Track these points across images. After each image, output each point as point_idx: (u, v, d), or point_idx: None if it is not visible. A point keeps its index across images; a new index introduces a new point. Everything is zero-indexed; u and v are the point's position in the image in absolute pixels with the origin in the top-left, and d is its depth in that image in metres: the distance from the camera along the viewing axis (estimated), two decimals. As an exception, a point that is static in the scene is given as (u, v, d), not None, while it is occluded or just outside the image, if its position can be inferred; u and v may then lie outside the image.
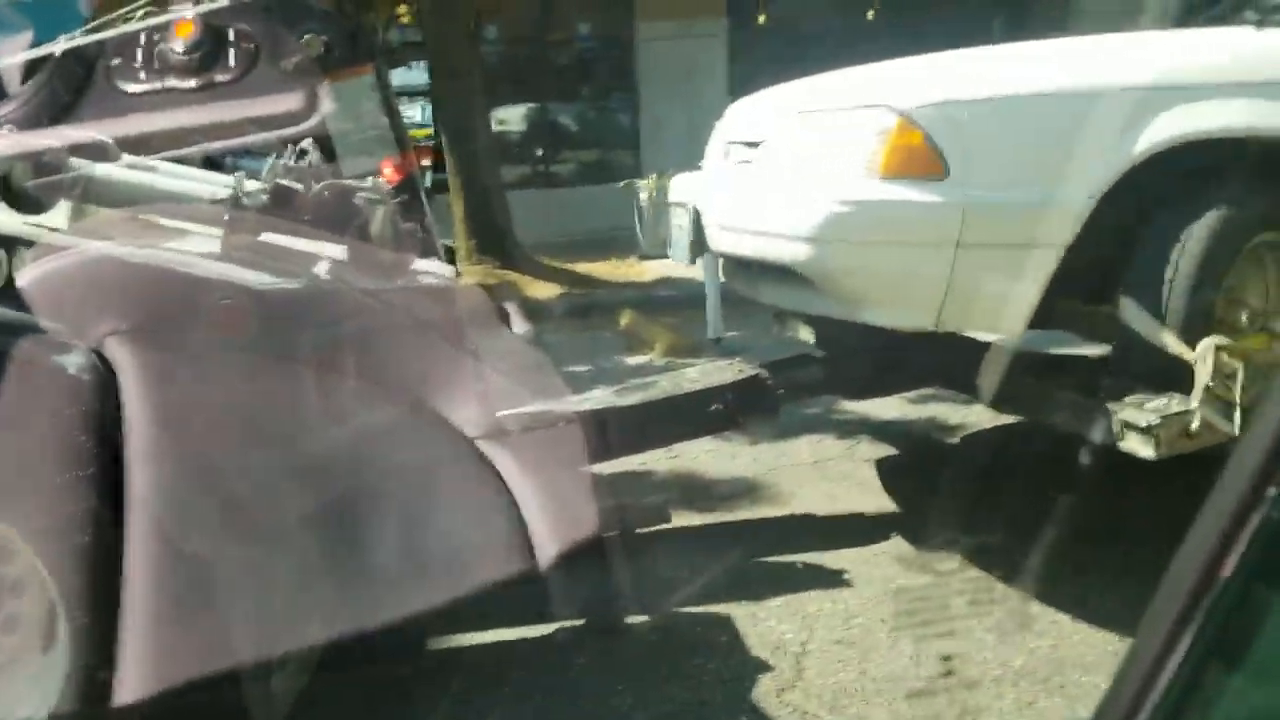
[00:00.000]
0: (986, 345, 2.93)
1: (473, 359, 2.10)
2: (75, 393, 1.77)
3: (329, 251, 2.19)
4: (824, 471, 3.69)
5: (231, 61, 2.69)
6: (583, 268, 8.27)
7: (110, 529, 1.76)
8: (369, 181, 2.43)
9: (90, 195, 2.08)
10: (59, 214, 2.06)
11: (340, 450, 1.88)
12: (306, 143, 2.54)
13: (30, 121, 2.42)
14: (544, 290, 7.56)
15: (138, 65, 2.63)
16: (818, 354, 3.49)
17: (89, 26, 2.75)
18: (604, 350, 5.73)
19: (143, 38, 2.68)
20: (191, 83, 2.65)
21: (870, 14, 11.73)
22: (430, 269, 2.33)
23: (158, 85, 2.65)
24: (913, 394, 4.22)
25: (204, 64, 2.62)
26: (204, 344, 1.87)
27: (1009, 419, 3.87)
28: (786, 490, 3.53)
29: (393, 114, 2.98)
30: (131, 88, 2.64)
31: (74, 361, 1.78)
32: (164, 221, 2.16)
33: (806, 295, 2.76)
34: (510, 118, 11.08)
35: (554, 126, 11.37)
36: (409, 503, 1.88)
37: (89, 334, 1.81)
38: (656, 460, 3.70)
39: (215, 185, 2.27)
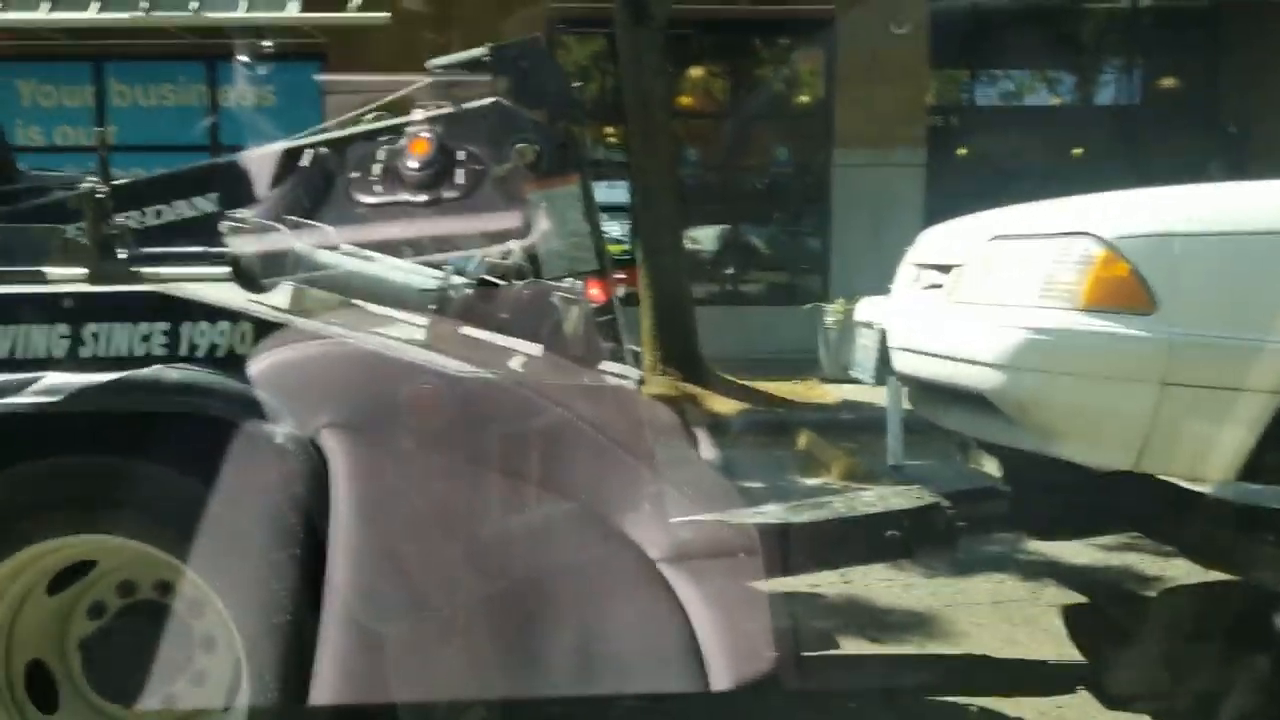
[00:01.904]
0: (1191, 493, 2.74)
1: (655, 473, 2.12)
2: (290, 477, 1.91)
3: (524, 348, 2.28)
4: (1005, 612, 3.50)
5: (460, 179, 2.86)
6: (764, 386, 8.27)
7: (306, 609, 1.88)
8: (567, 284, 2.53)
9: (309, 280, 2.24)
10: (280, 296, 2.23)
11: (521, 546, 1.94)
12: (511, 242, 2.67)
13: (297, 215, 2.62)
14: (724, 406, 7.58)
15: (374, 179, 2.83)
16: (1003, 488, 3.34)
17: (327, 127, 3.02)
18: (780, 469, 5.67)
19: (381, 154, 2.89)
20: (422, 198, 2.83)
21: (1077, 151, 11.51)
22: (620, 375, 2.39)
23: (390, 199, 2.84)
24: (1106, 539, 3.97)
25: (435, 181, 2.80)
26: (409, 441, 1.97)
27: (1212, 575, 3.58)
28: (963, 628, 3.36)
29: (594, 224, 3.10)
30: (366, 199, 2.84)
31: (291, 447, 1.92)
32: (373, 309, 2.31)
33: (995, 425, 2.66)
34: (703, 237, 11.34)
35: (744, 247, 11.56)
36: (580, 602, 1.92)
37: (307, 423, 1.94)
38: (828, 583, 3.60)
39: (424, 277, 2.41)
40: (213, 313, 2.05)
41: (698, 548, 2.08)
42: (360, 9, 8.96)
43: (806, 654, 2.88)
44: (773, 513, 2.92)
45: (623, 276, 8.21)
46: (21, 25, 8.56)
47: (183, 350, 2.03)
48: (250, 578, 1.93)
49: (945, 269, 3.02)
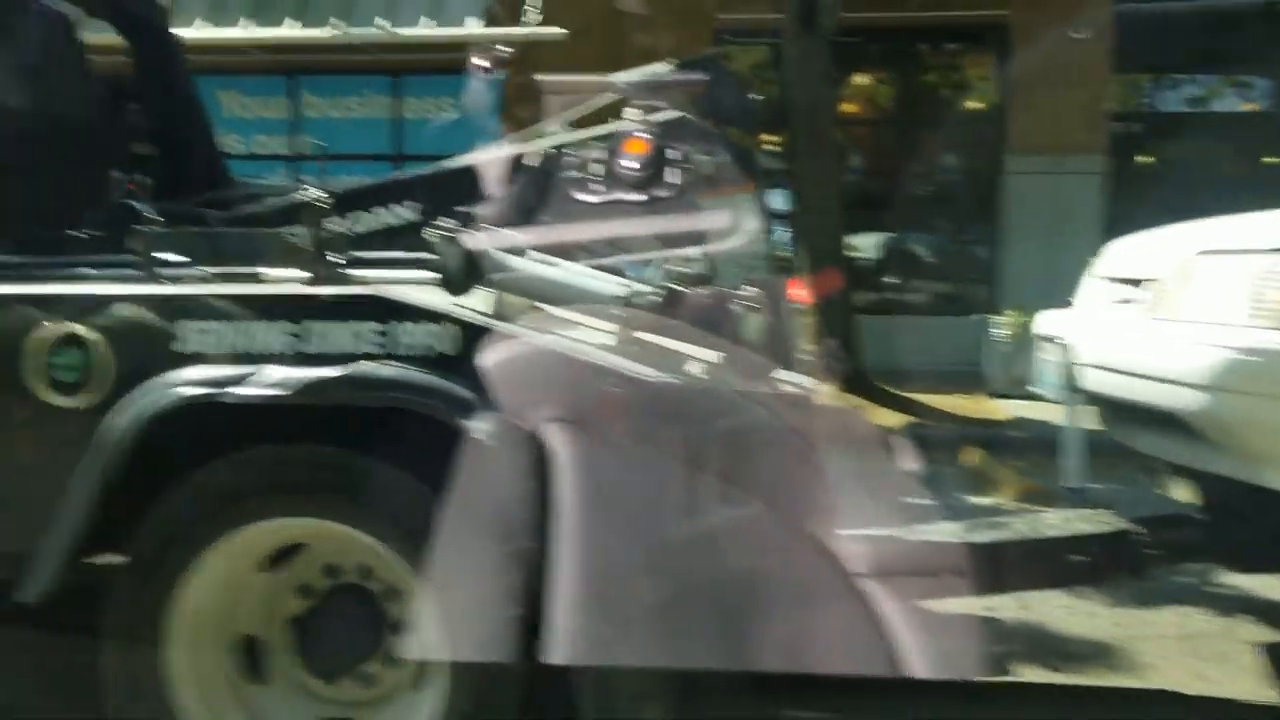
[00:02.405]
0: None
1: (850, 482, 2.13)
2: (518, 471, 2.01)
3: (707, 354, 2.32)
4: (1194, 647, 3.33)
5: (672, 179, 2.93)
6: (927, 399, 8.08)
7: (509, 600, 1.99)
8: (747, 290, 2.56)
9: (506, 285, 2.34)
10: (479, 299, 2.33)
11: (721, 538, 2.00)
12: (691, 248, 2.71)
13: (500, 223, 2.74)
14: (886, 418, 7.45)
15: (593, 179, 2.93)
16: (1198, 515, 3.18)
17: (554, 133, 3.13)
18: (948, 486, 5.53)
19: (600, 154, 2.99)
20: (639, 197, 2.92)
21: (1269, 160, 10.82)
22: (807, 385, 2.40)
23: (609, 198, 2.94)
24: (1309, 575, 3.73)
25: (650, 180, 2.88)
26: (621, 435, 2.05)
27: None
28: (1148, 661, 3.21)
29: (768, 232, 3.13)
30: (586, 199, 2.94)
31: (510, 441, 2.02)
32: (563, 314, 2.39)
33: (1194, 449, 2.55)
34: (865, 245, 11.17)
35: (908, 255, 11.32)
36: (777, 592, 1.97)
37: (530, 418, 2.03)
38: (1003, 606, 3.51)
39: (611, 283, 2.48)
40: (421, 314, 2.17)
41: (896, 563, 2.08)
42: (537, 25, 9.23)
43: (980, 680, 2.81)
44: (948, 531, 2.87)
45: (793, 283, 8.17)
46: (225, 42, 9.17)
47: (394, 349, 2.16)
48: (455, 566, 2.03)
49: (1139, 283, 2.91)
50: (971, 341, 8.90)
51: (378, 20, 9.19)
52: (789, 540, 2.04)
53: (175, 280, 2.38)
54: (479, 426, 2.04)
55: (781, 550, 2.04)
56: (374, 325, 2.17)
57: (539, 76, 3.51)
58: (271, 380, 2.12)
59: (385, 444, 2.14)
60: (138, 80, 3.95)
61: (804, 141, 8.28)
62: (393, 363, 2.14)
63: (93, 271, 2.46)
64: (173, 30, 4.05)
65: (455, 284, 2.33)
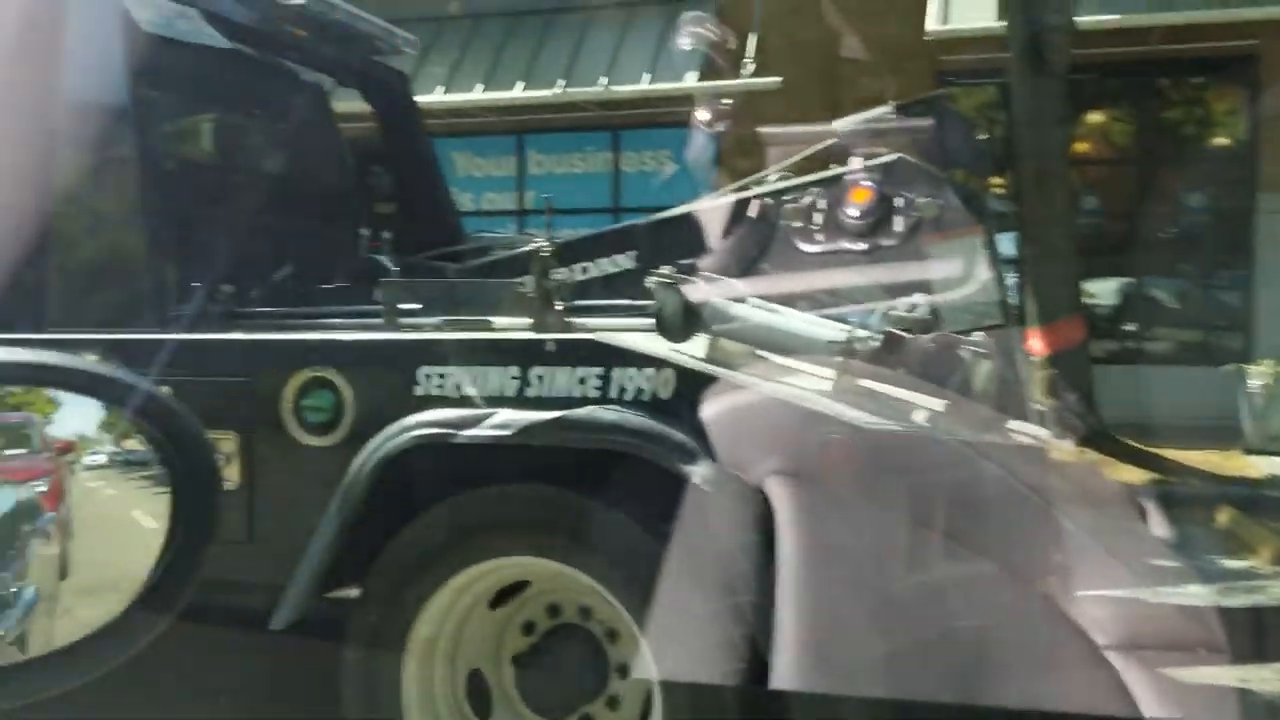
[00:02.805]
0: None
1: (1089, 540, 2.01)
2: (740, 523, 1.99)
3: (934, 403, 2.24)
4: None
5: (897, 225, 2.92)
6: (1172, 454, 7.49)
7: (732, 649, 1.96)
8: (977, 338, 2.47)
9: (726, 332, 2.35)
10: (698, 345, 2.35)
11: (948, 596, 1.92)
12: (916, 295, 2.64)
13: (723, 272, 2.81)
14: (1129, 475, 6.95)
15: (815, 227, 2.95)
16: None
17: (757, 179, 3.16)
18: (1198, 548, 5.09)
19: (821, 203, 3.02)
20: (862, 245, 2.92)
21: None
22: (1042, 437, 2.28)
23: (831, 246, 2.96)
24: None
25: (875, 229, 2.88)
26: (845, 489, 2.00)
27: None
28: None
29: (998, 277, 3.01)
30: (808, 248, 2.97)
31: (741, 491, 2.01)
32: (785, 362, 2.37)
33: None
34: (1103, 291, 10.54)
35: (1149, 301, 10.59)
36: (1011, 658, 1.86)
37: (754, 470, 2.02)
38: (1261, 679, 3.17)
39: (830, 330, 2.44)
40: (642, 360, 2.20)
41: (1154, 641, 1.95)
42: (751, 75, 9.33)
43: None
44: (1199, 595, 2.64)
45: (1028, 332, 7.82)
46: (459, 106, 9.76)
47: (615, 393, 2.20)
48: (676, 613, 2.03)
49: None
50: (1223, 393, 8.21)
51: (601, 80, 9.55)
52: (1021, 600, 1.92)
53: (413, 328, 2.53)
54: (700, 473, 2.04)
55: (1012, 611, 1.92)
56: (596, 370, 2.22)
57: (759, 129, 3.54)
58: (498, 422, 2.21)
59: (606, 487, 2.18)
60: (382, 143, 4.26)
61: (1035, 183, 7.94)
62: (614, 407, 2.18)
63: (342, 320, 2.64)
64: (414, 97, 4.34)
65: (673, 331, 2.36)
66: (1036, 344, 3.03)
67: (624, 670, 2.30)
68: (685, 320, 2.35)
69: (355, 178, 4.26)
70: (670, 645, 2.06)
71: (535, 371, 2.26)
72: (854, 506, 1.97)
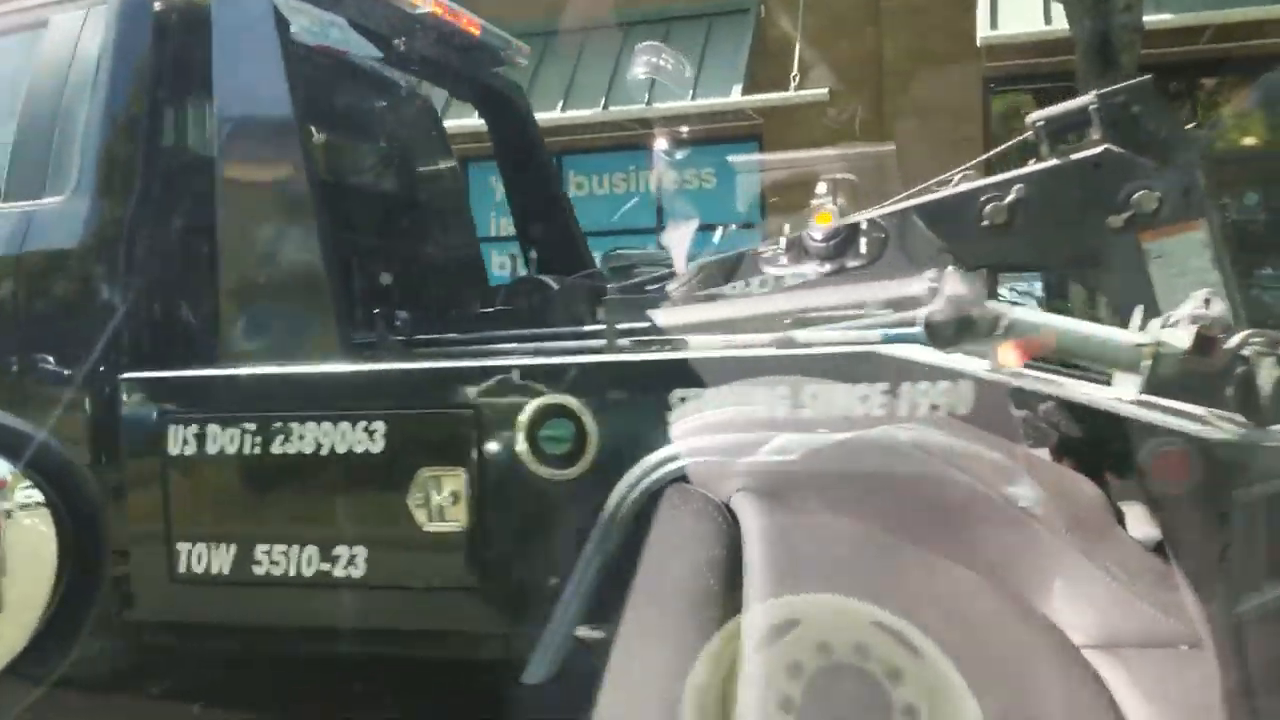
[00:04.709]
0: None
1: (1078, 554, 1.87)
2: (707, 539, 1.98)
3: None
4: None
5: (863, 249, 2.87)
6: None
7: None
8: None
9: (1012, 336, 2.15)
10: (974, 353, 2.15)
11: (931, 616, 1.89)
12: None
13: (684, 297, 2.75)
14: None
15: (779, 250, 2.91)
16: None
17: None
18: None
19: (786, 229, 2.98)
20: (825, 268, 2.87)
21: None
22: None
23: (794, 270, 2.89)
24: None
25: (838, 251, 2.83)
26: (815, 506, 1.98)
27: None
28: None
29: (1225, 274, 2.82)
30: (774, 272, 2.91)
31: (707, 511, 2.00)
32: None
33: None
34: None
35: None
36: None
37: (721, 488, 2.00)
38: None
39: (1133, 334, 2.23)
40: (934, 372, 2.01)
41: (1135, 641, 1.85)
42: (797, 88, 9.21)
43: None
44: None
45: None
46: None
47: (905, 410, 2.00)
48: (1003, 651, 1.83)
49: None
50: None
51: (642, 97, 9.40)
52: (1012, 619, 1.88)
53: (642, 348, 2.33)
54: (1023, 495, 1.84)
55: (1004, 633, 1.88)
56: (882, 385, 2.02)
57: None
58: (779, 448, 2.00)
59: (895, 515, 1.98)
60: (499, 159, 4.08)
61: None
62: (909, 426, 1.98)
63: (560, 343, 2.44)
64: (532, 111, 4.16)
65: (944, 338, 2.16)
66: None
67: (912, 712, 2.08)
68: (959, 326, 2.15)
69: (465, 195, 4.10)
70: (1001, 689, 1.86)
71: (810, 389, 2.06)
72: (843, 528, 1.95)
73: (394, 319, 2.68)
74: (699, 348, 2.27)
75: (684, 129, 9.45)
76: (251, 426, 2.33)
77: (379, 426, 2.27)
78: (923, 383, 2.00)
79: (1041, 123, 2.98)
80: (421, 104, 3.84)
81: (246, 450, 2.34)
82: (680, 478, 2.05)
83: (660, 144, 9.47)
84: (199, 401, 2.43)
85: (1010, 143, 3.10)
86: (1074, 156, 2.88)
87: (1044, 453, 1.99)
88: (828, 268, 2.88)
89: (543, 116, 9.56)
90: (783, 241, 2.91)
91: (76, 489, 2.38)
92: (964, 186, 3.00)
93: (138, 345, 2.55)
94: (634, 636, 2.01)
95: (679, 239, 3.17)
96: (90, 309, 2.57)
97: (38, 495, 2.31)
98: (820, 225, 2.91)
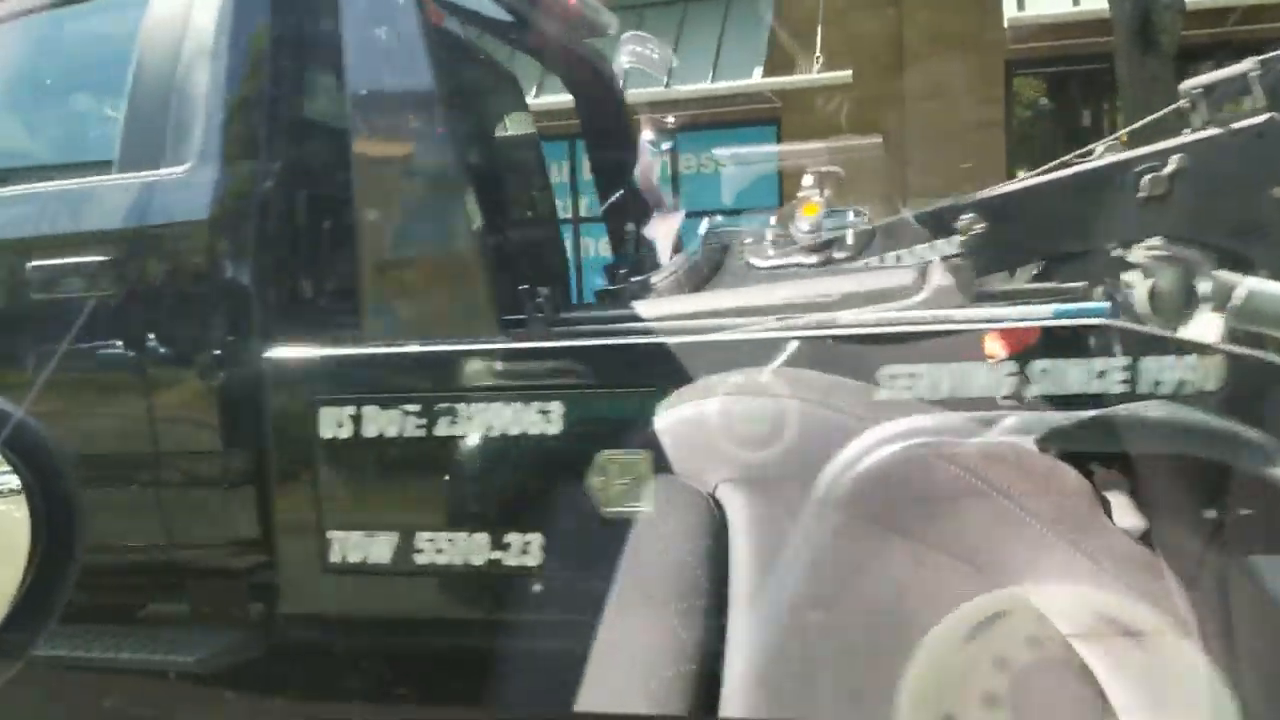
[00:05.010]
0: None
1: (1062, 544, 1.85)
2: (694, 530, 1.97)
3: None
4: None
5: (849, 241, 2.89)
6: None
7: (710, 659, 1.90)
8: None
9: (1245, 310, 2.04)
10: (1202, 324, 2.05)
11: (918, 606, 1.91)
12: None
13: (671, 290, 2.71)
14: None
15: (766, 243, 2.93)
16: None
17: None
18: None
19: (772, 220, 3.00)
20: (812, 259, 2.87)
21: None
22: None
23: (783, 262, 2.90)
24: None
25: (825, 243, 2.86)
26: (803, 498, 1.93)
27: None
28: None
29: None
30: (760, 263, 2.91)
31: (695, 502, 2.00)
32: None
33: None
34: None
35: None
36: None
37: (707, 478, 2.01)
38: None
39: None
40: (1178, 346, 1.89)
41: (1115, 628, 1.84)
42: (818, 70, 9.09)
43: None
44: None
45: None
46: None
47: (1147, 387, 1.89)
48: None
49: None
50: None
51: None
52: None
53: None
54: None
55: None
56: (1120, 361, 1.90)
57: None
58: (1012, 427, 1.89)
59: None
60: (587, 134, 3.94)
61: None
62: (1161, 403, 1.86)
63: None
64: (623, 87, 4.02)
65: (1170, 310, 2.05)
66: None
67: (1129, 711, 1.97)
68: (1186, 298, 2.05)
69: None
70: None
71: (1039, 365, 1.94)
72: (830, 524, 1.90)
73: (537, 295, 2.53)
74: (905, 321, 2.14)
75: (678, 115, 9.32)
76: (415, 408, 2.18)
77: (556, 407, 2.13)
78: (1168, 358, 1.89)
79: (1199, 90, 2.88)
80: (513, 79, 3.70)
81: (410, 433, 2.19)
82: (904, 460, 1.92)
83: (656, 130, 9.41)
84: (355, 381, 2.27)
85: (1165, 110, 2.99)
86: (1235, 125, 2.78)
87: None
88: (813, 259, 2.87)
89: (556, 100, 9.49)
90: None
91: (53, 470, 2.20)
92: (1114, 157, 2.90)
93: (275, 323, 2.38)
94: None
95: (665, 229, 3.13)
96: (222, 284, 2.40)
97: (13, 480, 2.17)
98: (806, 217, 2.90)
